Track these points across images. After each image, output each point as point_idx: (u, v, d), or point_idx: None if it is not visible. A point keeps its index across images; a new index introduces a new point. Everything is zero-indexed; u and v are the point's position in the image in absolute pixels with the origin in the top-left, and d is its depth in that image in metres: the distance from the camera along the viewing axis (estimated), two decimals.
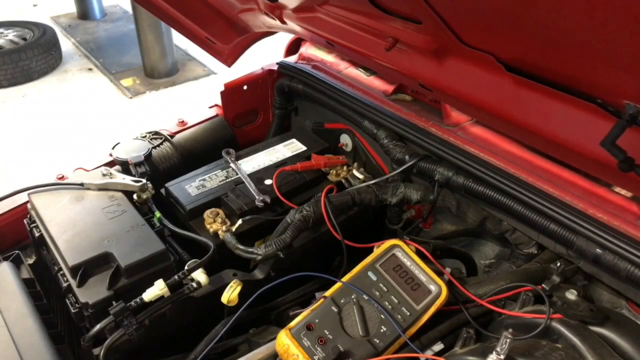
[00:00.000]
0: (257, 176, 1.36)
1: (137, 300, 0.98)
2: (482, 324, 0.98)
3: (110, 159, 1.41)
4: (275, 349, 0.90)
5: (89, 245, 1.07)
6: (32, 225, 1.20)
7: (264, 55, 1.88)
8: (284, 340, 0.88)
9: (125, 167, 1.37)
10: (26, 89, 4.07)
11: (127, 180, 1.26)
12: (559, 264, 0.95)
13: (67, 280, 1.05)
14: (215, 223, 1.22)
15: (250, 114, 1.74)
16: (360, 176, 1.41)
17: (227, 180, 1.36)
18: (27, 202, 1.22)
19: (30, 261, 1.26)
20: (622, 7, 0.59)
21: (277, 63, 1.69)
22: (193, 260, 1.09)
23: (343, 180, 1.41)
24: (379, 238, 1.09)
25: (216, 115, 1.66)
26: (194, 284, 1.03)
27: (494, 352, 0.76)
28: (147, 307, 1.00)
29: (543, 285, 0.93)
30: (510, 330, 0.78)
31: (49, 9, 5.65)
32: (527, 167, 1.10)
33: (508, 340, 0.76)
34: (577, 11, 0.65)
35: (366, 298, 0.94)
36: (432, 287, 0.97)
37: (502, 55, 0.89)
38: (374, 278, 0.98)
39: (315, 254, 1.26)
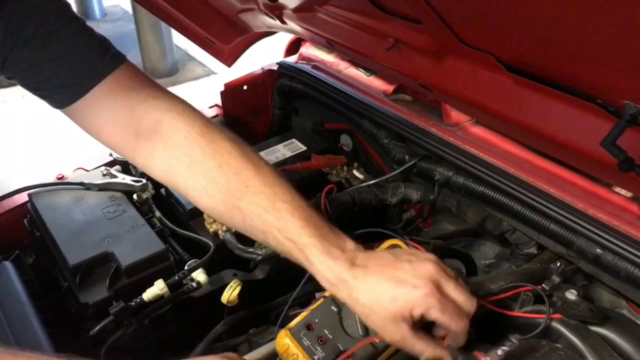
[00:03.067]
0: None
1: (137, 300, 0.98)
2: (482, 324, 0.98)
3: (110, 159, 1.41)
4: (275, 349, 0.90)
5: (89, 245, 1.07)
6: (32, 225, 1.20)
7: (264, 55, 1.88)
8: (283, 340, 0.88)
9: (125, 167, 1.37)
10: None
11: (127, 180, 1.26)
12: (559, 264, 0.94)
13: (67, 280, 1.05)
14: (215, 223, 1.22)
15: (250, 114, 1.74)
16: (360, 176, 1.41)
17: None
18: (27, 202, 1.22)
19: (30, 261, 1.26)
20: (622, 7, 0.59)
21: (277, 63, 1.69)
22: (193, 260, 1.09)
23: (343, 180, 1.41)
24: (379, 238, 1.09)
25: (216, 115, 1.66)
26: (194, 284, 1.03)
27: (493, 351, 0.76)
28: (147, 307, 1.00)
29: (543, 285, 0.93)
30: (517, 335, 0.76)
31: None
32: (527, 167, 1.10)
33: (511, 344, 0.75)
34: (578, 11, 0.65)
35: None
36: None
37: (502, 55, 0.89)
38: None
39: None
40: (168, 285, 1.01)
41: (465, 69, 1.01)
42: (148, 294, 0.99)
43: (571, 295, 0.90)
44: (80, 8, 5.48)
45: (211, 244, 1.12)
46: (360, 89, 1.47)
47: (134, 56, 4.48)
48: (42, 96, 0.86)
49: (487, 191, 1.12)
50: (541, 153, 1.11)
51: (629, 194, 1.00)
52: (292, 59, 1.72)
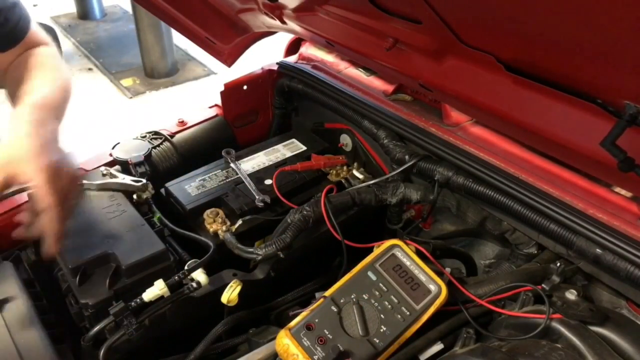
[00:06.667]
0: (257, 176, 1.36)
1: (137, 300, 0.98)
2: (482, 324, 0.99)
3: (110, 159, 1.41)
4: (275, 349, 0.90)
5: (89, 245, 1.07)
6: None
7: (264, 55, 1.88)
8: (283, 340, 0.88)
9: (125, 167, 1.37)
10: None
11: (127, 180, 1.26)
12: (559, 264, 0.95)
13: (67, 280, 1.05)
14: (215, 223, 1.22)
15: (250, 114, 1.74)
16: (360, 176, 1.41)
17: (227, 180, 1.36)
18: (27, 202, 1.21)
19: (30, 261, 1.26)
20: (622, 7, 0.59)
21: (277, 63, 1.69)
22: (193, 260, 1.09)
23: (343, 180, 1.41)
24: (379, 238, 1.09)
25: (216, 115, 1.66)
26: (194, 284, 1.03)
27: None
28: (147, 307, 1.00)
29: (543, 285, 0.93)
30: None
31: (49, 9, 5.65)
32: (527, 167, 1.10)
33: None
34: (578, 11, 0.65)
35: (366, 298, 0.94)
36: (432, 287, 0.97)
37: (502, 55, 0.89)
38: (373, 278, 0.98)
39: (315, 254, 1.26)
40: (168, 285, 1.01)
41: (465, 69, 1.01)
42: (148, 294, 0.99)
43: (571, 295, 0.90)
44: (80, 8, 5.48)
45: (211, 244, 1.12)
46: (360, 89, 1.47)
47: (134, 56, 4.49)
48: None
49: (487, 191, 1.12)
50: (541, 153, 1.11)
51: (629, 194, 1.00)
52: (292, 59, 1.72)
